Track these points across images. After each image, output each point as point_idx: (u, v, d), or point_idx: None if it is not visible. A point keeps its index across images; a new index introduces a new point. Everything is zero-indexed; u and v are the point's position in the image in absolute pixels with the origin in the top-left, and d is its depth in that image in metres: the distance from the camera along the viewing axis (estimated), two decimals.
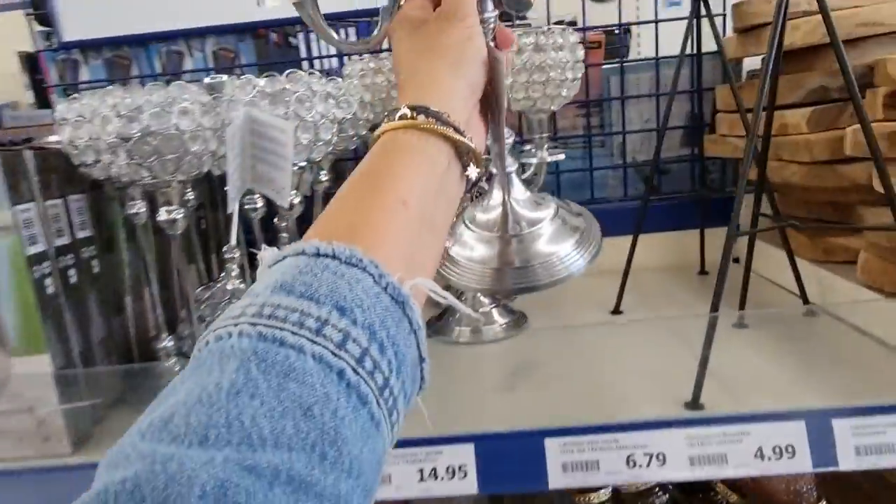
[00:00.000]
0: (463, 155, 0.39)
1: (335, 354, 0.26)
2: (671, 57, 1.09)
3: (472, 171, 0.40)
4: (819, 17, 0.83)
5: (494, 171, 0.51)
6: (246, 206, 0.78)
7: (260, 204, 0.78)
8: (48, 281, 0.66)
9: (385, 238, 0.32)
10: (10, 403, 0.66)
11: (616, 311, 0.94)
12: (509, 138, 0.79)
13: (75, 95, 0.69)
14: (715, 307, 0.65)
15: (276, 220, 1.02)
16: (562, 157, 0.80)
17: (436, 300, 0.34)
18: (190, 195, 0.86)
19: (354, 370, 0.26)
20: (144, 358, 0.83)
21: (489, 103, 0.45)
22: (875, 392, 0.62)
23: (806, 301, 0.84)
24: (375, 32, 0.45)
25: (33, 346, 0.65)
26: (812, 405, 0.61)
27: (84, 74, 1.16)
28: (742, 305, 0.82)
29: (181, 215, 0.67)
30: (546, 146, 0.79)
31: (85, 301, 0.73)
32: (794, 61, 0.90)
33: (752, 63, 1.12)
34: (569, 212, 0.59)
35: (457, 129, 0.38)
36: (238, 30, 1.12)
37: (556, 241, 0.56)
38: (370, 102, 0.85)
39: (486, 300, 0.92)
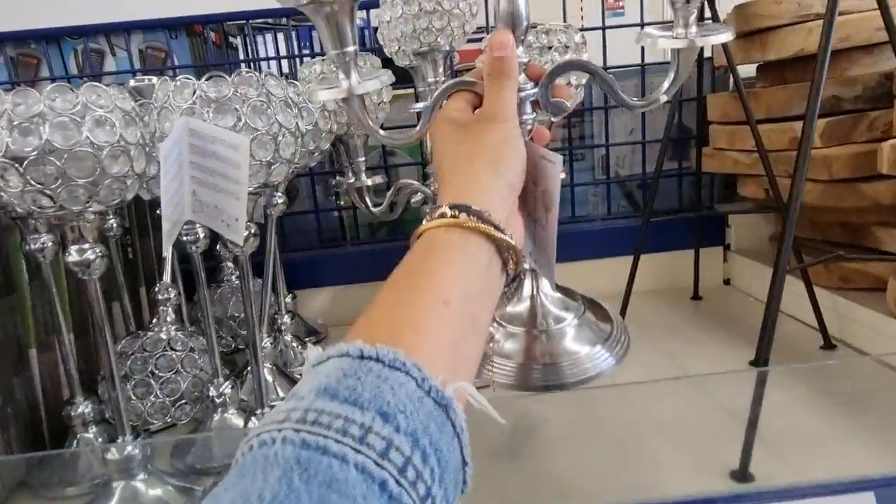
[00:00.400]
0: (503, 252, 0.39)
1: (378, 464, 0.26)
2: (660, 63, 1.00)
3: (512, 268, 0.40)
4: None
5: (528, 266, 0.51)
6: (184, 238, 0.63)
7: (202, 234, 0.64)
8: None
9: (428, 339, 0.32)
10: None
11: None
12: None
13: None
14: (764, 360, 0.55)
15: (218, 247, 0.87)
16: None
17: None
18: (112, 222, 0.72)
19: (397, 481, 0.26)
20: (56, 426, 0.67)
21: (527, 201, 0.46)
22: None
23: (827, 339, 0.75)
24: (417, 128, 0.47)
25: None
26: (877, 470, 0.52)
27: None
28: (767, 351, 0.71)
29: (98, 254, 0.52)
30: None
31: None
32: (801, 69, 0.82)
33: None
34: (597, 313, 0.54)
35: (497, 227, 0.38)
36: (170, 25, 0.96)
37: (583, 341, 0.52)
38: (333, 111, 0.72)
39: None
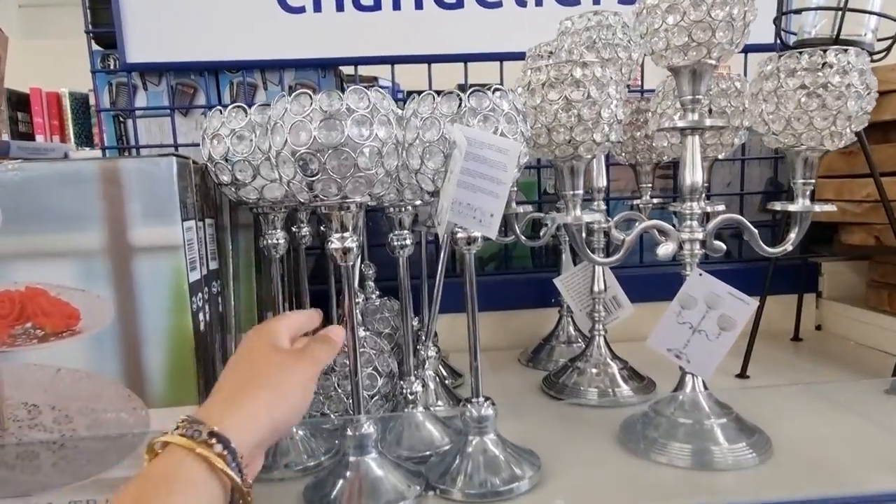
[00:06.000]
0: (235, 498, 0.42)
1: None
2: None
3: None
4: None
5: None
6: (395, 243, 0.70)
7: (409, 242, 0.70)
8: (201, 315, 0.55)
9: None
10: (139, 468, 0.53)
11: (742, 375, 0.90)
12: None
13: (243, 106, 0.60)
14: None
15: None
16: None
17: None
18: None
19: None
20: None
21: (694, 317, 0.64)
22: None
23: None
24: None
25: (181, 396, 0.53)
26: None
27: (140, 102, 1.05)
28: None
29: (356, 242, 0.58)
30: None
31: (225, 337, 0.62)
32: None
33: None
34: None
35: (245, 481, 0.41)
36: (322, 65, 1.05)
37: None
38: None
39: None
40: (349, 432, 0.59)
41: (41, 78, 2.32)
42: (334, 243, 0.57)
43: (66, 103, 2.45)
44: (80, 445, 0.52)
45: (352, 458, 0.58)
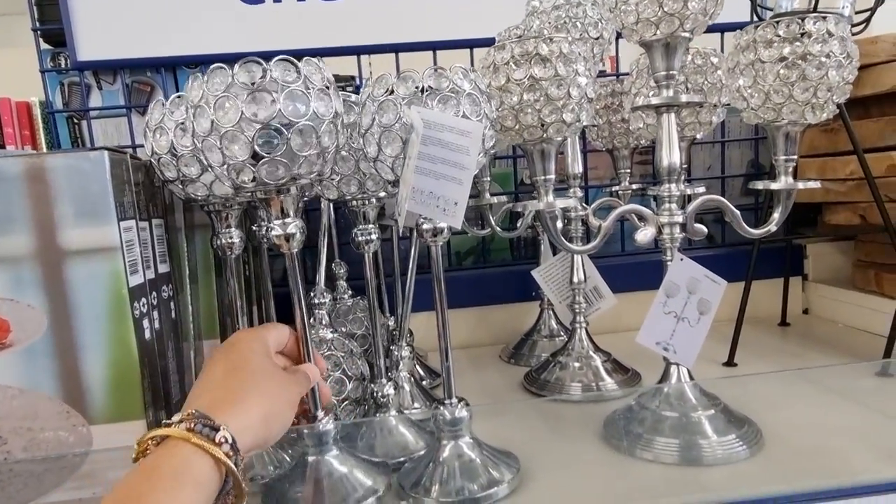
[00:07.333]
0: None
1: None
2: None
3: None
4: None
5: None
6: (359, 238, 0.66)
7: (374, 237, 0.66)
8: (146, 322, 0.51)
9: None
10: (82, 490, 0.49)
11: (730, 363, 0.87)
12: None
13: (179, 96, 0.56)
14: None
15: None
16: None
17: None
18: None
19: None
20: None
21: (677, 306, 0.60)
22: None
23: None
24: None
25: (125, 410, 0.49)
26: None
27: (95, 102, 1.01)
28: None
29: (300, 228, 0.53)
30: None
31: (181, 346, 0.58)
32: (888, 104, 0.89)
33: None
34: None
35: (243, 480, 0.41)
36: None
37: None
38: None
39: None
40: (306, 430, 0.55)
41: (11, 88, 2.26)
42: (276, 230, 0.52)
43: (37, 112, 2.40)
44: (15, 468, 0.48)
45: (311, 458, 0.55)
